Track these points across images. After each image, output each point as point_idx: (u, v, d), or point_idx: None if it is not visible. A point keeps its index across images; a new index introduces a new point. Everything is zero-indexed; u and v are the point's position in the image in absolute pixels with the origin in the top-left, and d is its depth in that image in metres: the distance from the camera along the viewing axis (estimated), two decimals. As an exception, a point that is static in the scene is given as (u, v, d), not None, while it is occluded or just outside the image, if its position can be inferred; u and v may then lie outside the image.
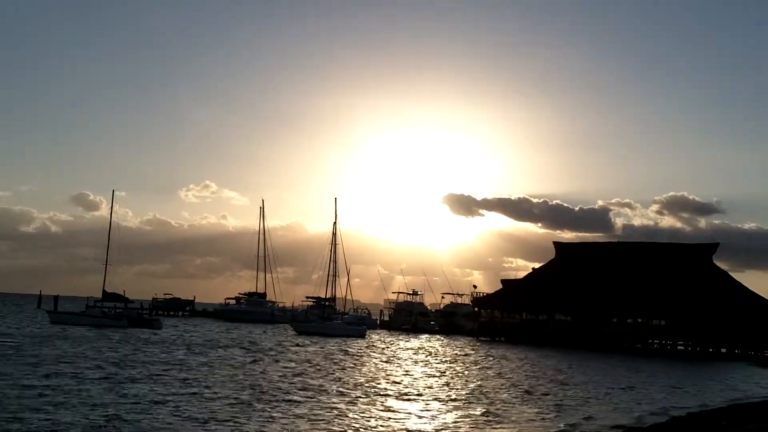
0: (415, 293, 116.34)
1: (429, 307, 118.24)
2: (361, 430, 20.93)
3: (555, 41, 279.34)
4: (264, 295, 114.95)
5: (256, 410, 22.98)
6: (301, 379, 32.93)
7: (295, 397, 26.37)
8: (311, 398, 26.42)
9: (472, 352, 64.14)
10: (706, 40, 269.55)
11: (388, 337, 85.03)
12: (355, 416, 23.07)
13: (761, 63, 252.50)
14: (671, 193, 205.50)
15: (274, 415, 22.35)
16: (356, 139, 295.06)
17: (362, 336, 78.89)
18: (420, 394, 29.71)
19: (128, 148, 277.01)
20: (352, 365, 42.17)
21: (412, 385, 33.31)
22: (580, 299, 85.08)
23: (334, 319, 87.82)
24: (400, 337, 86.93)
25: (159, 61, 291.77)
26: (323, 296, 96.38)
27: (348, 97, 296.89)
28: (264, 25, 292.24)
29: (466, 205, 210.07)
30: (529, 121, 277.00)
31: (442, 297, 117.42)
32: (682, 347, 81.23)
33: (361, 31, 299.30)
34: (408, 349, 63.99)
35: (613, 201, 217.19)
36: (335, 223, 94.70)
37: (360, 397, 27.51)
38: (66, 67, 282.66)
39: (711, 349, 78.68)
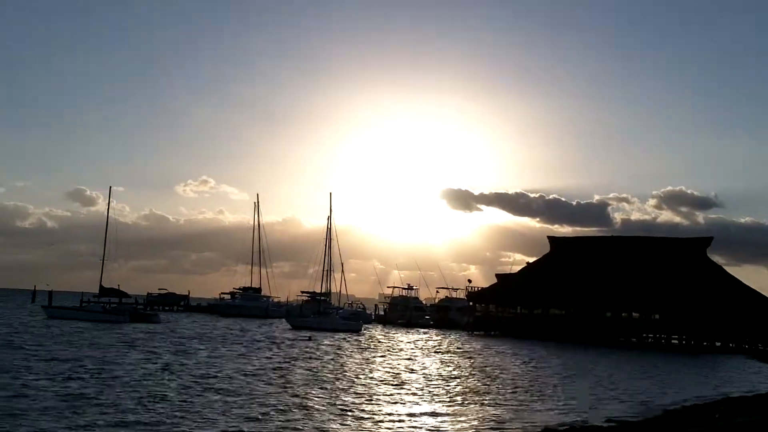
0: (410, 288, 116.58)
1: (424, 302, 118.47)
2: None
3: (553, 36, 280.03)
4: (259, 289, 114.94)
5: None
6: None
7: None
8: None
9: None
10: (704, 34, 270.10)
11: (380, 333, 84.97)
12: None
13: (759, 57, 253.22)
14: (669, 188, 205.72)
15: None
16: (353, 134, 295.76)
17: (358, 331, 78.57)
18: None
19: (125, 144, 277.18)
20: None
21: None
22: (575, 293, 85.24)
23: (329, 314, 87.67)
24: (395, 332, 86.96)
25: (156, 57, 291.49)
26: (318, 291, 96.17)
27: (345, 91, 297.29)
28: (260, 21, 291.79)
29: (464, 200, 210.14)
30: (527, 115, 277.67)
31: (437, 291, 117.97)
32: (676, 341, 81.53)
33: (357, 26, 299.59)
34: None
35: (610, 196, 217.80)
36: (329, 217, 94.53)
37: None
38: (63, 63, 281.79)
39: (705, 343, 78.97)
